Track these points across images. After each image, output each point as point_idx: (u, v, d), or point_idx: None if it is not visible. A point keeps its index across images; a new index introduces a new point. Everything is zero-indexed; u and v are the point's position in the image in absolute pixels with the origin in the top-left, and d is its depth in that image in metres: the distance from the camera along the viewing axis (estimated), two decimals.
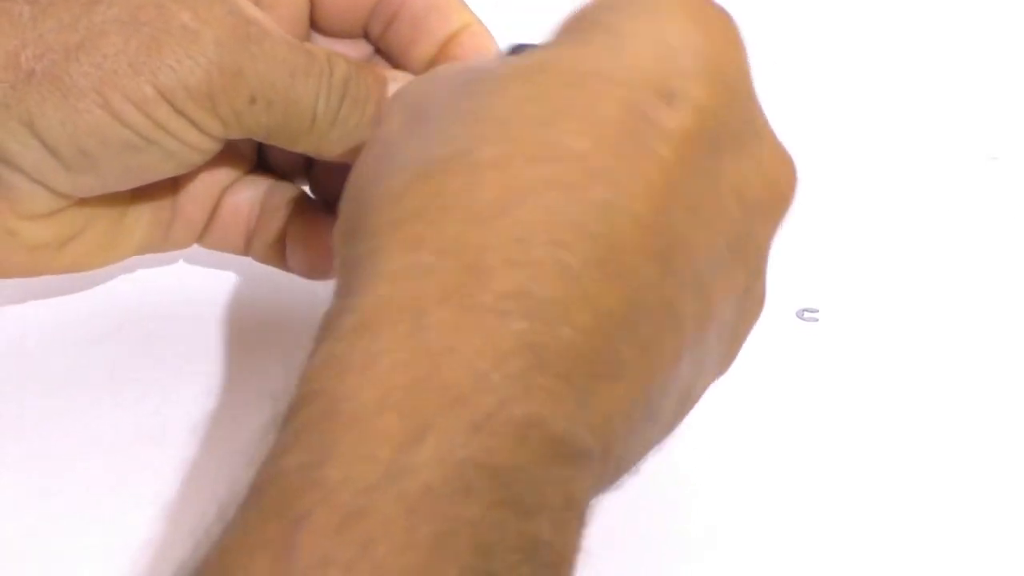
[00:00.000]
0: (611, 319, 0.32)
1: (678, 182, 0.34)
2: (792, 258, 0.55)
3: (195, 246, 0.49)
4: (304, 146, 0.44)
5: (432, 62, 0.46)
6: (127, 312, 0.51)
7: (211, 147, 0.43)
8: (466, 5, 0.47)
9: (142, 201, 0.46)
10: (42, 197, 0.42)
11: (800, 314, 0.52)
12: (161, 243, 0.48)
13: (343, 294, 0.33)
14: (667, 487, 0.45)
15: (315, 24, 0.47)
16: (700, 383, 0.37)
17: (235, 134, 0.42)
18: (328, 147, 0.44)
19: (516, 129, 0.33)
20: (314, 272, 0.47)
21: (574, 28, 0.36)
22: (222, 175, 0.48)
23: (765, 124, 0.37)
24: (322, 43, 0.48)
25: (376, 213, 0.34)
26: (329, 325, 0.32)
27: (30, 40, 0.40)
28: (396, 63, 0.47)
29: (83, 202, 0.44)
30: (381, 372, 0.30)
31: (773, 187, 0.36)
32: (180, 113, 0.41)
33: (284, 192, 0.48)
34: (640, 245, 0.33)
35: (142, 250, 0.47)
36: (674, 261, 0.33)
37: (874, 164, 0.61)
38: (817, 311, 0.52)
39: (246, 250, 0.48)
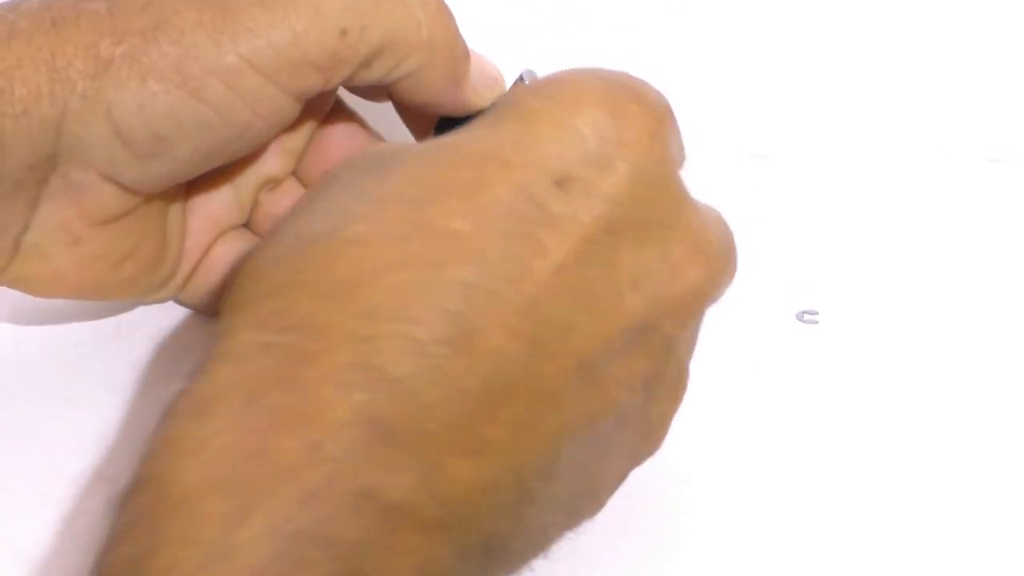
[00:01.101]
0: (466, 396, 0.32)
1: (561, 268, 0.34)
2: (792, 260, 0.55)
3: None
4: (412, 60, 0.43)
5: None
6: (126, 313, 0.51)
7: (288, 112, 0.42)
8: None
9: (179, 223, 0.47)
10: (111, 195, 0.42)
11: (800, 316, 0.52)
12: (161, 285, 0.47)
13: (190, 376, 0.33)
14: (666, 489, 0.45)
15: None
16: (610, 470, 0.37)
17: (337, 73, 0.42)
18: (443, 60, 0.43)
19: (391, 208, 0.34)
20: None
21: (496, 112, 0.36)
22: (223, 216, 0.48)
23: (684, 216, 0.37)
24: None
25: (238, 290, 0.34)
26: (171, 407, 0.32)
27: (107, 31, 0.40)
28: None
29: (141, 210, 0.44)
30: (211, 454, 0.30)
31: (682, 279, 0.36)
32: (269, 78, 0.41)
33: None
34: (506, 327, 0.33)
35: (149, 291, 0.47)
36: (549, 345, 0.33)
37: (875, 166, 0.61)
38: (817, 313, 0.52)
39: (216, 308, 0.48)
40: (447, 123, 0.47)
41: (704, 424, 0.47)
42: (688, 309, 0.36)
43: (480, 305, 0.33)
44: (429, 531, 0.31)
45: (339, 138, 0.48)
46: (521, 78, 0.46)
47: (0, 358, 0.49)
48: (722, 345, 0.51)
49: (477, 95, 0.46)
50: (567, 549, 0.42)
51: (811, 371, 0.50)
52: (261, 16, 0.40)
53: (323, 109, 0.48)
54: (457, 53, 0.44)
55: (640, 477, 0.45)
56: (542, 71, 0.48)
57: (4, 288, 0.45)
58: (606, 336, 0.34)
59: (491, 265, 0.33)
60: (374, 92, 0.47)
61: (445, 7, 0.44)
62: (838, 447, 0.47)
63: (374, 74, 0.43)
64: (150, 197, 0.44)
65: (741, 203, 0.59)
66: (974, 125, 0.62)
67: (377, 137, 0.50)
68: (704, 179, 0.61)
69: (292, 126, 0.45)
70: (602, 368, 0.34)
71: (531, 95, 0.36)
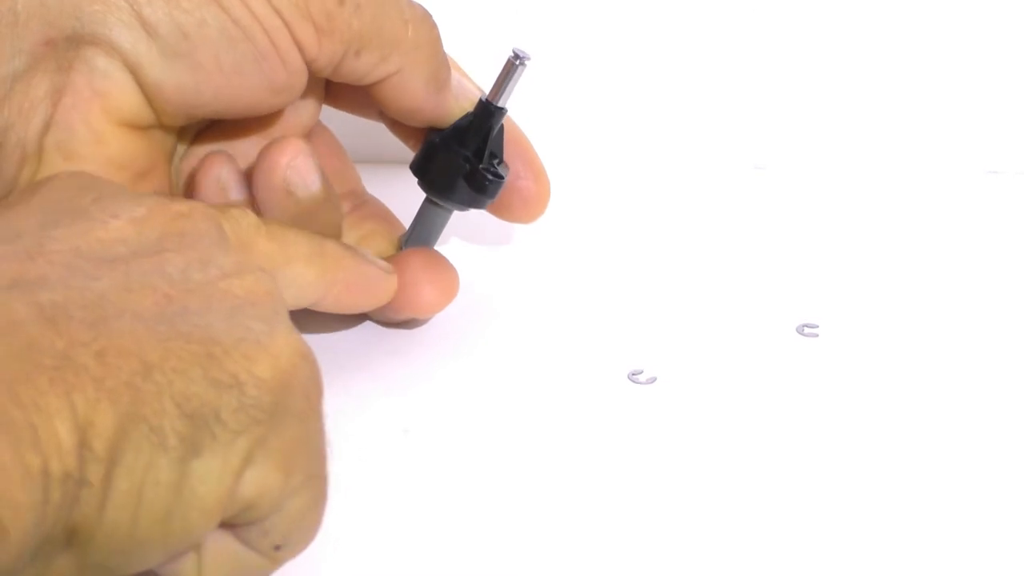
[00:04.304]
0: None
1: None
2: (792, 273, 0.55)
3: None
4: (398, 57, 0.46)
5: None
6: None
7: (295, 64, 0.45)
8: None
9: None
10: (132, 94, 0.44)
11: (800, 329, 0.52)
12: None
13: None
14: (667, 500, 0.45)
15: None
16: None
17: (330, 44, 0.45)
18: (425, 63, 0.47)
19: None
20: None
21: None
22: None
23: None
24: None
25: None
26: None
27: None
28: None
29: (156, 136, 0.46)
30: None
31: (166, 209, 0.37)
32: (276, 11, 0.44)
33: None
34: None
35: None
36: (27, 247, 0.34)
37: (874, 177, 0.61)
38: (817, 326, 0.52)
39: None
40: (433, 134, 0.49)
41: (705, 434, 0.47)
42: (181, 222, 0.37)
43: None
44: None
45: (321, 146, 0.50)
46: (516, 56, 0.47)
47: None
48: (724, 357, 0.51)
49: (456, 104, 0.49)
50: (566, 551, 0.42)
51: (811, 384, 0.50)
52: None
53: (311, 113, 0.49)
54: (439, 59, 0.47)
55: (642, 480, 0.45)
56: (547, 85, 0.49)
57: None
58: (96, 239, 0.35)
59: None
60: (362, 102, 0.49)
61: (430, 15, 0.47)
62: (837, 458, 0.47)
63: (362, 65, 0.46)
64: (164, 127, 0.46)
65: (740, 215, 0.59)
66: (973, 137, 0.62)
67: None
68: (703, 191, 0.61)
69: (282, 121, 0.48)
70: (122, 258, 0.35)
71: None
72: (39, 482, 0.30)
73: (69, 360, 0.31)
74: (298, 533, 0.36)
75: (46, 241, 0.34)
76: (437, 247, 0.51)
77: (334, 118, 0.51)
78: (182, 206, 0.37)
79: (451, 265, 0.50)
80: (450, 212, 0.50)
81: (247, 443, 0.33)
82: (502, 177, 0.49)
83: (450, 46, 0.48)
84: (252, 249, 0.41)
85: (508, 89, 0.48)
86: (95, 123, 0.44)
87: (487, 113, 0.48)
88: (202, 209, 0.37)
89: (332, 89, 0.49)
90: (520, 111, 0.50)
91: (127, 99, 0.44)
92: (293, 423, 0.35)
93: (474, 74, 0.50)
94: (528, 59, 0.47)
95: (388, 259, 0.49)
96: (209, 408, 0.33)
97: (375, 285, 0.48)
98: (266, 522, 0.35)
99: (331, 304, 0.47)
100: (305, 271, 0.44)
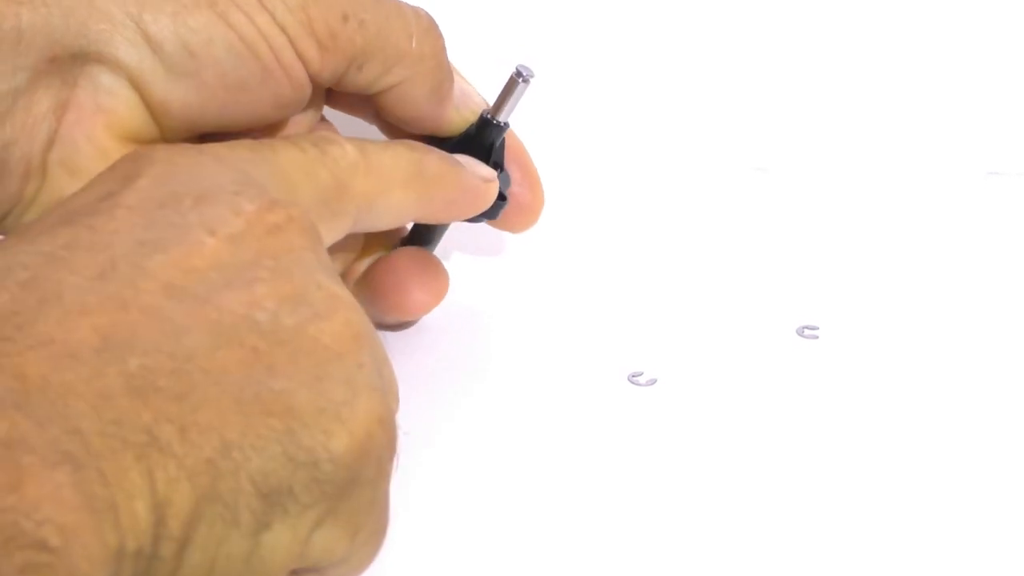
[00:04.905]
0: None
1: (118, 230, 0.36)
2: (792, 275, 0.55)
3: None
4: (401, 70, 0.46)
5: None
6: None
7: (298, 75, 0.45)
8: None
9: None
10: (137, 109, 0.44)
11: (800, 331, 0.52)
12: None
13: None
14: (668, 502, 0.45)
15: None
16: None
17: (333, 60, 0.45)
18: (428, 75, 0.46)
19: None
20: None
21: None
22: None
23: (240, 190, 0.37)
24: None
25: None
26: None
27: None
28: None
29: None
30: None
31: (260, 224, 0.36)
32: (281, 28, 0.44)
33: None
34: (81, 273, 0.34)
35: None
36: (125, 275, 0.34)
37: (875, 179, 0.61)
38: (817, 328, 0.52)
39: None
40: (435, 145, 0.48)
41: (705, 436, 0.47)
42: (276, 238, 0.37)
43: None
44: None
45: None
46: (519, 73, 0.47)
47: None
48: (724, 358, 0.51)
49: (458, 115, 0.49)
50: (567, 553, 0.43)
51: (811, 386, 0.50)
52: None
53: (312, 118, 0.49)
54: (443, 71, 0.47)
55: (643, 482, 0.45)
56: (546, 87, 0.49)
57: None
58: (191, 267, 0.35)
59: None
60: (362, 106, 0.49)
61: (436, 27, 0.47)
62: (837, 460, 0.47)
63: (364, 78, 0.46)
64: (168, 141, 0.45)
65: (741, 217, 0.59)
66: (973, 138, 0.62)
67: None
68: (705, 193, 0.61)
69: (285, 130, 0.48)
70: (216, 293, 0.35)
71: None
72: (113, 559, 0.31)
73: (154, 437, 0.32)
74: (352, 573, 0.37)
75: (139, 277, 0.34)
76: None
77: (335, 118, 0.51)
78: (278, 215, 0.37)
79: (441, 266, 0.50)
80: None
81: (317, 513, 0.34)
82: (504, 198, 0.49)
83: (454, 54, 0.48)
84: (349, 191, 0.43)
85: (510, 106, 0.48)
86: (99, 139, 0.44)
87: (488, 129, 0.48)
88: (299, 218, 0.37)
89: (333, 93, 0.49)
90: (519, 111, 0.49)
91: (131, 115, 0.44)
92: (363, 490, 0.35)
93: (477, 82, 0.49)
94: (532, 76, 0.47)
95: (379, 261, 0.50)
96: (283, 484, 0.33)
97: (473, 198, 0.48)
98: (327, 569, 0.36)
99: (430, 218, 0.48)
100: (404, 196, 0.45)
